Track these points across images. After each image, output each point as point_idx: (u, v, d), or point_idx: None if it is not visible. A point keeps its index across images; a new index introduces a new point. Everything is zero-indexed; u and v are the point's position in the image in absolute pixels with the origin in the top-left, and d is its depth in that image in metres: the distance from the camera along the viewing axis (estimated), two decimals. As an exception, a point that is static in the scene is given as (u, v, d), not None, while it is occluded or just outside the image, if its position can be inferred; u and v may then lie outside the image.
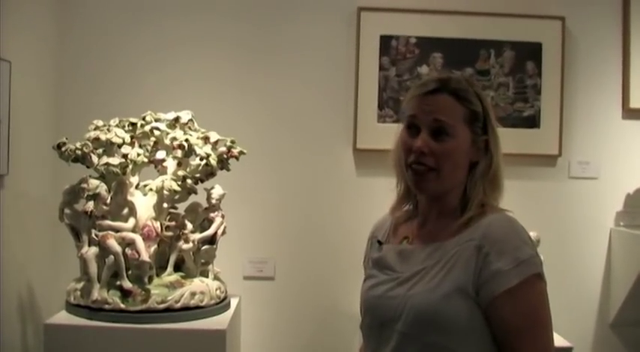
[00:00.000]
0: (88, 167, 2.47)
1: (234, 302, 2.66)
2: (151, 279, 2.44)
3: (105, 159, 2.41)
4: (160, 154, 2.51)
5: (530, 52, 3.15)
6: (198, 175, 2.53)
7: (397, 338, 1.54)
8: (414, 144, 1.57)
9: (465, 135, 1.58)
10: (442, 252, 1.55)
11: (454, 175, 1.58)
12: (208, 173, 2.54)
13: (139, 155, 2.46)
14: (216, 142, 2.57)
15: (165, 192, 2.47)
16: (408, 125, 1.61)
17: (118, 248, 2.38)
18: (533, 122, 3.15)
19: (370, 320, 1.64)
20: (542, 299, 1.50)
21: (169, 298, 2.40)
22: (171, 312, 2.39)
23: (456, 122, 1.57)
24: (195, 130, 2.60)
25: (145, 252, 2.40)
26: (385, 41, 3.11)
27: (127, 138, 2.47)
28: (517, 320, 1.47)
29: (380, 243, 1.72)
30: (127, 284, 2.37)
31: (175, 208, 2.62)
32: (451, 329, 1.49)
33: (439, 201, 1.62)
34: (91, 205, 2.39)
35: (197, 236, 2.55)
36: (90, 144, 2.43)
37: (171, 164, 2.52)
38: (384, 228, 1.76)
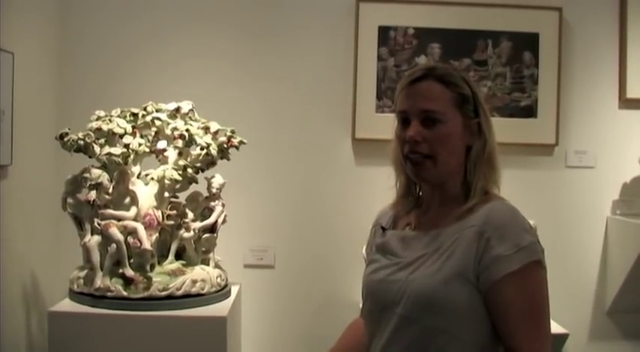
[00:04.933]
0: (90, 157, 2.49)
1: (234, 289, 2.69)
2: (152, 267, 2.47)
3: (107, 149, 2.44)
4: (161, 144, 2.53)
5: (528, 42, 3.17)
6: (198, 165, 2.55)
7: (397, 322, 1.56)
8: (407, 134, 1.59)
9: (456, 119, 1.59)
10: (443, 237, 1.57)
11: (451, 160, 1.60)
12: (209, 162, 2.57)
13: (140, 145, 2.48)
14: (216, 132, 2.60)
15: (166, 181, 2.49)
16: (400, 119, 1.64)
17: (120, 236, 2.40)
18: (530, 112, 3.17)
19: (371, 303, 1.66)
20: (541, 285, 1.52)
21: (171, 286, 2.43)
22: (172, 300, 2.42)
23: (445, 107, 1.58)
24: (196, 120, 2.63)
25: (147, 240, 2.43)
26: (383, 32, 3.13)
27: (129, 129, 2.49)
28: (515, 305, 1.49)
29: (384, 229, 1.75)
30: (130, 272, 2.40)
31: (176, 197, 2.64)
32: (450, 313, 1.51)
33: (441, 188, 1.64)
34: (93, 194, 2.42)
35: (198, 224, 2.58)
36: (92, 134, 2.45)
37: (172, 154, 2.55)
38: (388, 216, 1.79)
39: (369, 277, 1.69)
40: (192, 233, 2.56)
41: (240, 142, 2.61)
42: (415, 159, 1.59)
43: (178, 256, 2.58)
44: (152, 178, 2.52)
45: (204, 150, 2.52)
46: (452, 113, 1.59)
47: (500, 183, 1.64)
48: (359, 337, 1.76)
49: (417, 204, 1.73)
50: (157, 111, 2.57)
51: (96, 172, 2.43)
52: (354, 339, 1.81)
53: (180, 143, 2.52)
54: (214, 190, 2.63)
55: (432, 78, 1.60)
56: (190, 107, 2.62)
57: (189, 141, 2.52)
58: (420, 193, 1.73)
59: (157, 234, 2.53)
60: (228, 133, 2.60)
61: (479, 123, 1.61)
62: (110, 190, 2.46)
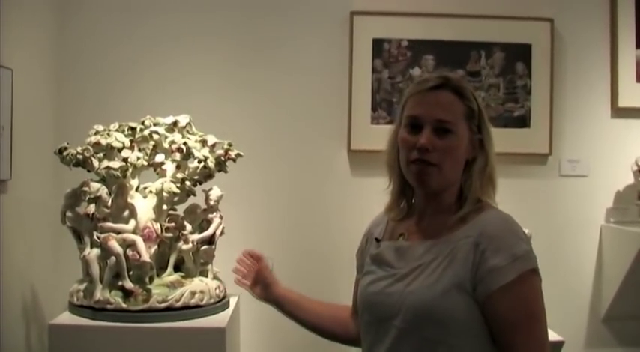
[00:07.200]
0: (89, 171, 2.51)
1: (233, 300, 2.70)
2: (151, 279, 2.48)
3: (105, 163, 2.45)
4: (159, 157, 2.55)
5: (520, 53, 3.21)
6: (196, 177, 2.57)
7: (395, 334, 1.58)
8: (418, 141, 1.59)
9: (464, 132, 1.62)
10: (439, 248, 1.58)
11: (454, 171, 1.62)
12: (206, 175, 2.58)
13: (138, 158, 2.50)
14: (213, 145, 2.61)
15: (164, 194, 2.51)
16: (409, 124, 1.64)
17: (119, 249, 2.41)
18: (523, 122, 3.21)
19: (369, 315, 1.67)
20: (536, 294, 1.54)
21: (170, 297, 2.44)
22: (171, 311, 2.43)
23: (457, 119, 1.61)
24: (193, 134, 2.64)
25: (146, 252, 2.44)
26: (378, 44, 3.16)
27: (127, 142, 2.50)
28: (512, 315, 1.51)
29: (377, 240, 1.76)
30: (129, 284, 2.41)
31: (174, 210, 2.66)
32: (449, 324, 1.52)
33: (436, 197, 1.65)
34: (92, 208, 2.43)
35: (196, 236, 2.59)
36: (91, 148, 2.47)
37: (170, 167, 2.57)
38: (381, 225, 1.80)
39: (366, 289, 1.70)
40: (190, 245, 2.58)
41: (238, 155, 2.63)
42: (422, 166, 1.60)
43: (177, 268, 2.60)
44: (150, 191, 2.54)
45: (202, 163, 2.54)
46: (462, 125, 1.61)
47: (494, 197, 1.67)
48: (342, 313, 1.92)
49: (409, 212, 1.74)
50: (155, 125, 2.59)
51: (95, 186, 2.44)
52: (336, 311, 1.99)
53: (178, 156, 2.54)
54: (212, 202, 2.64)
55: (448, 88, 1.62)
56: (188, 120, 2.64)
57: (187, 155, 2.53)
58: (413, 201, 1.74)
59: (156, 247, 2.55)
60: (226, 146, 2.62)
61: (481, 139, 1.64)
62: (109, 204, 2.47)
